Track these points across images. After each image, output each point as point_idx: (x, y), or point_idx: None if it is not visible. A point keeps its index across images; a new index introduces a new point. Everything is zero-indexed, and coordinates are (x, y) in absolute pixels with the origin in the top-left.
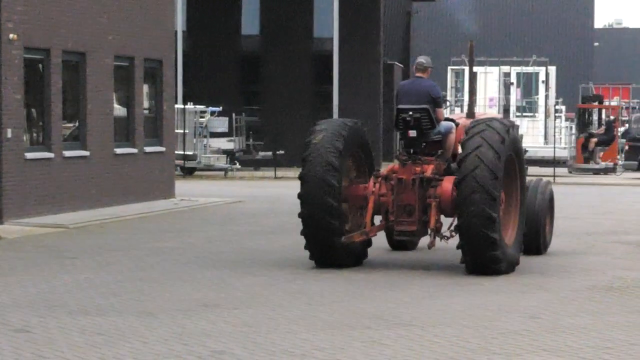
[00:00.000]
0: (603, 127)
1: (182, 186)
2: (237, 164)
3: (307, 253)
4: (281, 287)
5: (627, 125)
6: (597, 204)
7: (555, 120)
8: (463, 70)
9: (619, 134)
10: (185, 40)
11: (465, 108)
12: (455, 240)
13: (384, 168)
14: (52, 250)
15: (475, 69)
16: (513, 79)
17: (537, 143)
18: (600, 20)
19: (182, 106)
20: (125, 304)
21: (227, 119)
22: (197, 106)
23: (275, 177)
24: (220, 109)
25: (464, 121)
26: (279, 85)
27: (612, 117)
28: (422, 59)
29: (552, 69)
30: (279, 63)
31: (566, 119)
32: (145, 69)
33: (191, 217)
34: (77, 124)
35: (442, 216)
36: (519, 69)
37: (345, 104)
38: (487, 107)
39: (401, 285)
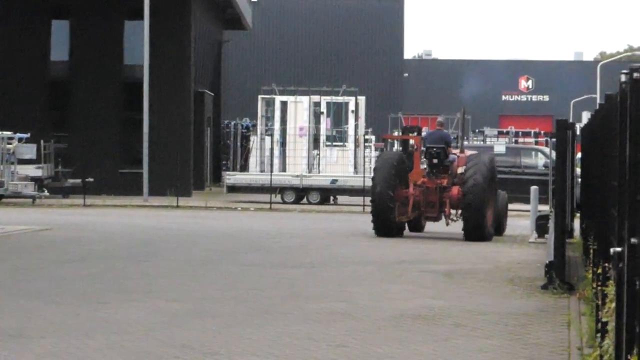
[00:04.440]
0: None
1: None
2: (46, 191)
3: (114, 283)
4: (88, 316)
5: None
6: (406, 233)
7: (364, 149)
8: (273, 99)
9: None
10: None
11: (277, 137)
12: (459, 223)
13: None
14: None
15: (285, 98)
16: (323, 108)
17: (346, 172)
18: (410, 51)
19: None
20: None
21: (35, 145)
22: (4, 132)
23: (85, 205)
24: (29, 135)
25: (461, 154)
26: (88, 111)
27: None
28: (440, 119)
29: (362, 99)
30: (88, 90)
31: (375, 149)
32: None
33: None
34: None
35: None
36: (329, 98)
37: (156, 131)
38: (297, 136)
39: (210, 313)
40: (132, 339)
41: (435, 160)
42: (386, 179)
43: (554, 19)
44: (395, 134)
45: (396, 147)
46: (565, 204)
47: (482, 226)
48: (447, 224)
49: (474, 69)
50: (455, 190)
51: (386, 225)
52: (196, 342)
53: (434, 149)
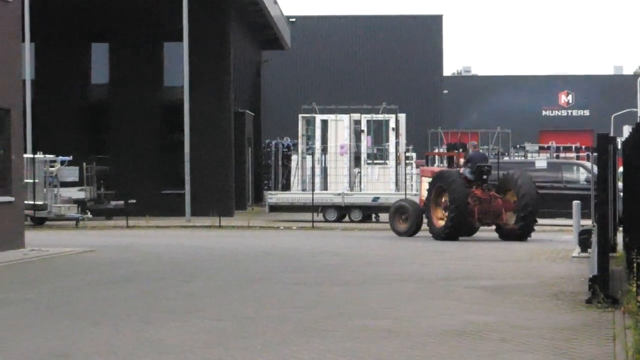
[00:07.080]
0: None
1: (33, 236)
2: (89, 213)
3: (157, 303)
4: (132, 336)
5: None
6: (454, 249)
7: (406, 167)
8: (314, 118)
9: None
10: (34, 89)
11: (318, 155)
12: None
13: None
14: None
15: (325, 116)
16: (364, 126)
17: (388, 190)
18: (449, 68)
19: (31, 155)
20: None
21: (77, 168)
22: (47, 155)
23: (127, 226)
24: (71, 158)
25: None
26: (129, 133)
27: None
28: (474, 142)
29: (402, 116)
30: (128, 112)
31: (417, 166)
32: None
33: (41, 268)
34: None
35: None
36: (369, 116)
37: (196, 152)
38: (338, 154)
39: (254, 332)
40: (177, 359)
41: (485, 177)
42: (463, 192)
43: (593, 33)
44: (436, 150)
45: (437, 163)
46: (607, 218)
47: (531, 230)
48: (510, 228)
49: (514, 85)
50: (502, 200)
51: (458, 231)
52: None
53: (485, 167)
